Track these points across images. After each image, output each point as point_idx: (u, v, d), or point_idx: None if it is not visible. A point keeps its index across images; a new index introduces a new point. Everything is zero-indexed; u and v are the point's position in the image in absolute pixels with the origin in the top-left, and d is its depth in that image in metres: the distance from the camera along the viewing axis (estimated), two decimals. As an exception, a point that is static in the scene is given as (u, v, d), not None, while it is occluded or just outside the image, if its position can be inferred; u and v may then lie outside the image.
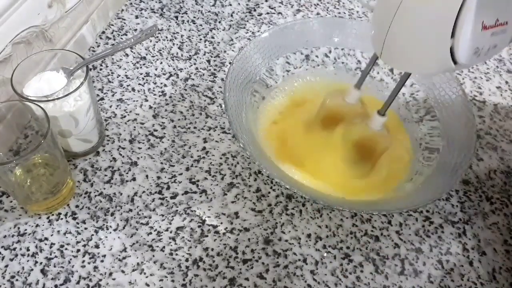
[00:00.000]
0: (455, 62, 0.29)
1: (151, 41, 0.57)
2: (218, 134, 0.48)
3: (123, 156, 0.46)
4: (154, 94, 0.52)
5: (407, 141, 0.46)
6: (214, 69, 0.55)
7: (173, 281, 0.38)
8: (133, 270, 0.39)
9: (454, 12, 0.27)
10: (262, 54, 0.48)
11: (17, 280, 0.38)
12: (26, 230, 0.40)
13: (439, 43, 0.28)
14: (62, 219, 0.41)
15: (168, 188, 0.44)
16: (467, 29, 0.27)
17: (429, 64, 0.31)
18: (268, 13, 0.63)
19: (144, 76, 0.53)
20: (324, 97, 0.44)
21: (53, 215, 0.41)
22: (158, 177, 0.45)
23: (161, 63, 0.55)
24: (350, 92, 0.41)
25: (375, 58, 0.38)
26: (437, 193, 0.37)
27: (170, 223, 0.42)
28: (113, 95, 0.51)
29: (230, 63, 0.44)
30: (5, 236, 0.40)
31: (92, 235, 0.40)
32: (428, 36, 0.29)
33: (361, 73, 0.40)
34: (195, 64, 0.55)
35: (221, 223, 0.42)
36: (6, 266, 0.38)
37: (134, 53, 0.56)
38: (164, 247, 0.40)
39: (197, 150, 0.47)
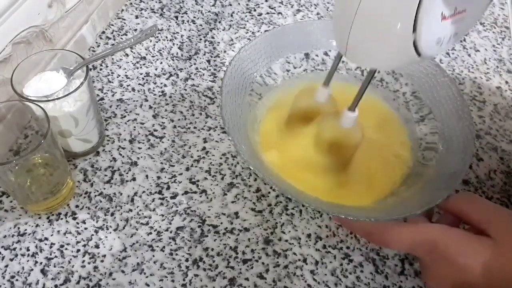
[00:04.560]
0: (418, 54, 0.29)
1: (151, 41, 0.57)
2: (218, 134, 0.48)
3: (123, 156, 0.46)
4: (154, 94, 0.52)
5: (407, 142, 0.46)
6: (214, 69, 0.55)
7: (173, 281, 0.38)
8: (133, 270, 0.39)
9: (413, 7, 0.27)
10: (262, 54, 0.48)
11: (17, 280, 0.38)
12: (26, 230, 0.40)
13: (401, 39, 0.29)
14: (62, 219, 0.41)
15: (168, 188, 0.44)
16: (427, 22, 0.27)
17: (394, 59, 0.32)
18: (268, 13, 0.63)
19: (144, 76, 0.53)
20: (294, 97, 0.44)
21: (53, 215, 0.41)
22: (158, 177, 0.45)
23: (161, 63, 0.55)
24: (319, 90, 0.41)
25: (340, 55, 0.38)
26: (435, 199, 0.37)
27: (170, 223, 0.42)
28: (113, 95, 0.51)
29: (230, 63, 0.44)
30: (5, 236, 0.40)
31: (92, 235, 0.40)
32: (390, 33, 0.29)
33: (328, 71, 0.40)
34: (195, 64, 0.55)
35: (221, 223, 0.42)
36: (6, 266, 0.38)
37: (134, 53, 0.56)
38: (164, 247, 0.40)
39: (197, 150, 0.47)
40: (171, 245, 0.40)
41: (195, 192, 0.44)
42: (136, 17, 0.60)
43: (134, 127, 0.48)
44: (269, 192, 0.44)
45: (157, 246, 0.40)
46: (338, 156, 0.42)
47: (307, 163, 0.43)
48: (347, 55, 0.34)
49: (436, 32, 0.28)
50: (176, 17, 0.61)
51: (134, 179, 0.44)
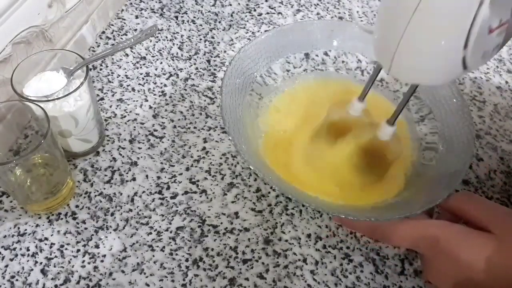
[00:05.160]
0: (465, 68, 0.29)
1: (151, 41, 0.57)
2: (218, 134, 0.48)
3: (123, 156, 0.46)
4: (154, 94, 0.52)
5: (410, 143, 0.46)
6: (214, 69, 0.55)
7: (173, 281, 0.38)
8: (133, 270, 0.39)
9: (467, 24, 0.26)
10: (262, 54, 0.48)
11: (17, 280, 0.38)
12: (26, 230, 0.40)
13: (452, 55, 0.28)
14: (62, 219, 0.41)
15: (168, 188, 0.44)
16: (478, 37, 0.27)
17: (440, 74, 0.31)
18: (268, 13, 0.63)
19: (144, 76, 0.53)
20: (327, 110, 0.43)
21: (53, 215, 0.41)
22: (158, 177, 0.45)
23: (161, 63, 0.55)
24: (353, 104, 0.40)
25: (379, 69, 0.37)
26: (435, 199, 0.37)
27: (170, 223, 0.42)
28: (113, 95, 0.51)
29: (230, 63, 0.44)
30: (5, 236, 0.40)
31: (92, 235, 0.40)
32: (441, 49, 0.29)
33: (365, 86, 0.39)
34: (195, 64, 0.55)
35: (221, 223, 0.42)
36: (6, 266, 0.38)
37: (134, 53, 0.56)
38: (164, 247, 0.40)
39: (197, 150, 0.47)
40: (171, 245, 0.40)
41: (195, 192, 0.44)
42: (136, 17, 0.60)
43: (134, 127, 0.48)
44: (269, 192, 0.44)
45: (157, 246, 0.40)
46: (371, 168, 0.42)
47: (314, 154, 0.42)
48: (391, 71, 0.32)
49: (483, 45, 0.28)
50: (176, 17, 0.61)
51: (134, 179, 0.44)
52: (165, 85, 0.53)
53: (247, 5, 0.64)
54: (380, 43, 0.33)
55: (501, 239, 0.31)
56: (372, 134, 0.39)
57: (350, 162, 0.41)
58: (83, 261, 0.39)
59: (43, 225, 0.41)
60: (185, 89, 0.52)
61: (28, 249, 0.39)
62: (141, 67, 0.54)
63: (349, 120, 0.41)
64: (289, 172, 0.42)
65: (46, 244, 0.40)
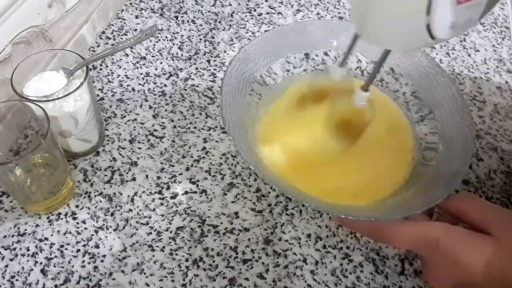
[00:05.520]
0: (432, 37, 0.29)
1: (151, 41, 0.57)
2: (218, 134, 0.48)
3: (123, 156, 0.46)
4: (154, 94, 0.52)
5: (411, 143, 0.46)
6: (214, 69, 0.55)
7: (173, 281, 0.38)
8: (133, 270, 0.39)
9: None
10: (262, 54, 0.48)
11: (17, 280, 0.38)
12: (26, 230, 0.40)
13: (415, 21, 0.29)
14: (62, 219, 0.41)
15: (168, 188, 0.44)
16: (442, 6, 0.28)
17: (408, 41, 0.32)
18: (268, 13, 0.63)
19: (144, 76, 0.53)
20: (310, 79, 0.45)
21: (53, 215, 0.41)
22: (158, 177, 0.45)
23: (161, 63, 0.55)
24: (334, 69, 0.43)
25: (356, 36, 0.39)
26: (435, 199, 0.37)
27: (170, 223, 0.42)
28: (113, 95, 0.51)
29: (230, 63, 0.44)
30: (5, 236, 0.40)
31: (92, 235, 0.40)
32: (404, 14, 0.30)
33: (345, 52, 0.41)
34: (195, 64, 0.55)
35: (221, 223, 0.42)
36: (6, 266, 0.38)
37: (134, 53, 0.56)
38: (164, 247, 0.40)
39: (197, 150, 0.47)
40: (171, 245, 0.40)
41: (195, 192, 0.44)
42: (136, 17, 0.60)
43: (134, 127, 0.48)
44: (269, 192, 0.44)
45: (157, 246, 0.40)
46: (347, 135, 0.43)
47: (313, 152, 0.43)
48: (363, 35, 0.34)
49: (450, 15, 0.28)
50: (176, 17, 0.61)
51: (134, 179, 0.44)
52: (165, 85, 0.53)
53: (247, 5, 0.64)
54: (354, 7, 0.34)
55: (500, 242, 0.31)
56: (348, 100, 0.40)
57: (326, 129, 0.43)
58: (83, 261, 0.39)
59: (43, 225, 0.41)
60: (185, 89, 0.52)
61: (28, 249, 0.39)
62: (141, 67, 0.54)
63: (329, 86, 0.44)
64: (289, 172, 0.42)
65: (46, 244, 0.40)
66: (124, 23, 0.59)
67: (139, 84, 0.52)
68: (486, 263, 0.31)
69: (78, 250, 0.39)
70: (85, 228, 0.41)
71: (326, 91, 0.44)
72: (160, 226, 0.41)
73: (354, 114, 0.41)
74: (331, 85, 0.43)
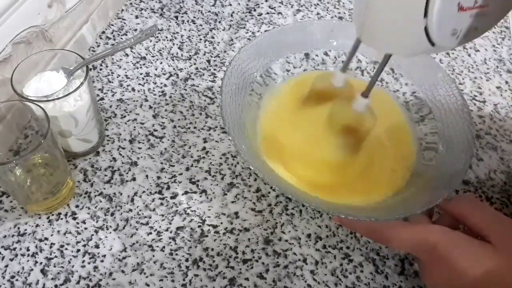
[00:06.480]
0: (432, 43, 0.29)
1: (151, 41, 0.57)
2: (218, 134, 0.48)
3: (123, 156, 0.46)
4: (154, 94, 0.52)
5: (409, 142, 0.46)
6: (214, 69, 0.55)
7: (173, 281, 0.38)
8: (133, 270, 0.39)
9: None
10: (262, 54, 0.48)
11: (17, 280, 0.38)
12: (26, 230, 0.40)
13: (412, 23, 0.29)
14: (62, 219, 0.41)
15: (168, 188, 0.44)
16: (439, 9, 0.27)
17: (407, 45, 0.31)
18: (268, 13, 0.63)
19: (144, 76, 0.53)
20: (313, 81, 0.45)
21: (53, 215, 0.41)
22: (158, 177, 0.45)
23: (161, 63, 0.55)
24: (336, 74, 0.42)
25: (359, 41, 0.38)
26: (435, 199, 0.37)
27: (170, 223, 0.42)
28: (113, 95, 0.51)
29: (230, 63, 0.44)
30: (5, 236, 0.40)
31: (92, 235, 0.40)
32: (402, 16, 0.29)
33: (347, 57, 0.40)
34: (195, 64, 0.55)
35: (221, 223, 0.42)
36: (6, 266, 0.38)
37: (134, 53, 0.56)
38: (164, 247, 0.40)
39: (197, 150, 0.47)
40: (171, 245, 0.40)
41: (195, 192, 0.44)
42: (136, 17, 0.60)
43: (134, 127, 0.48)
44: (269, 192, 0.44)
45: (157, 246, 0.40)
46: (347, 141, 0.42)
47: (313, 153, 0.43)
48: (362, 38, 0.34)
49: (450, 21, 0.28)
50: (176, 17, 0.61)
51: (134, 179, 0.44)
52: (165, 85, 0.53)
53: (247, 5, 0.64)
54: (355, 9, 0.34)
55: (499, 250, 0.31)
56: (349, 105, 0.40)
57: (327, 131, 0.43)
58: (83, 261, 0.39)
59: (43, 225, 0.41)
60: (185, 89, 0.52)
61: (28, 249, 0.39)
62: (141, 67, 0.54)
63: (331, 91, 0.43)
64: (289, 172, 0.42)
65: (46, 244, 0.40)
66: (124, 23, 0.59)
67: (139, 84, 0.52)
68: (483, 269, 0.31)
69: (78, 250, 0.39)
70: (85, 228, 0.41)
71: (328, 94, 0.43)
72: (160, 226, 0.41)
73: (355, 120, 0.41)
74: (333, 88, 0.43)
